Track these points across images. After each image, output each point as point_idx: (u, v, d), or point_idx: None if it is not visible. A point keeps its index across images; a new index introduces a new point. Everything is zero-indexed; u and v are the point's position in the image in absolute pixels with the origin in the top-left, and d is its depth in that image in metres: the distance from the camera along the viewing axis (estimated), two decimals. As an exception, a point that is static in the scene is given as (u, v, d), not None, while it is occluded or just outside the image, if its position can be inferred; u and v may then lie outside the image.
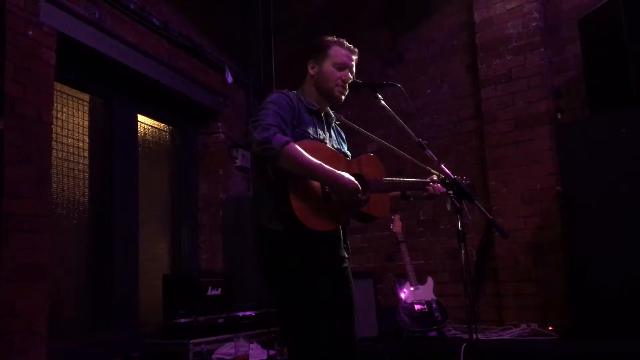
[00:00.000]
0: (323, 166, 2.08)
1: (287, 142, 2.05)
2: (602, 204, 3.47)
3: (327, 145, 2.33)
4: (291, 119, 2.21)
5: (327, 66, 2.36)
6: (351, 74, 2.39)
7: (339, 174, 2.11)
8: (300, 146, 2.08)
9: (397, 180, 2.43)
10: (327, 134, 2.40)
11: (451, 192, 2.22)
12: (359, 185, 2.13)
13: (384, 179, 2.38)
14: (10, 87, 3.25)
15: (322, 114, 2.41)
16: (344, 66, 2.37)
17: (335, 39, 2.41)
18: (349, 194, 2.12)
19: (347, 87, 2.38)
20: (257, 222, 2.21)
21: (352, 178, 2.12)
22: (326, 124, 2.42)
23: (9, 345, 3.08)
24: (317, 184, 2.15)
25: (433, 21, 5.19)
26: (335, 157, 2.27)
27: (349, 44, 2.42)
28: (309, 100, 2.36)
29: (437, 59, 5.14)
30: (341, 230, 2.35)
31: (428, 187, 2.46)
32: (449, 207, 2.23)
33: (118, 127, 4.50)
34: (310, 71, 2.40)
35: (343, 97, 2.40)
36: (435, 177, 2.47)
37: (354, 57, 2.41)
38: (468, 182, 2.60)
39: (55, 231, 3.71)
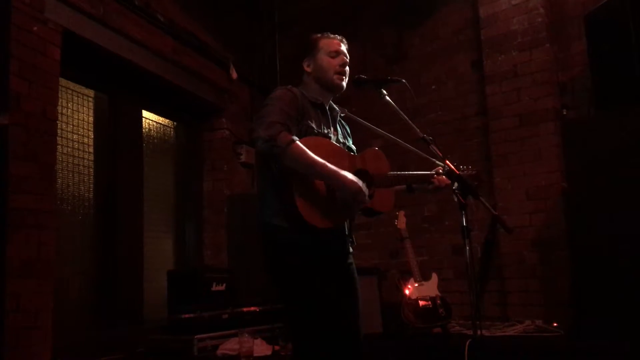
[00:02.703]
0: (327, 166, 2.08)
1: (292, 141, 2.05)
2: (607, 201, 3.45)
3: (332, 140, 2.33)
4: (296, 114, 2.21)
5: (322, 57, 2.37)
6: (346, 58, 2.39)
7: (343, 174, 2.09)
8: (304, 143, 2.08)
9: (402, 174, 2.43)
10: (332, 128, 2.39)
11: (456, 184, 2.22)
12: (362, 185, 2.12)
13: (389, 172, 2.37)
14: (15, 83, 3.26)
15: (327, 108, 2.41)
16: (338, 52, 2.38)
17: (320, 33, 2.43)
18: (352, 194, 2.11)
19: (346, 71, 2.39)
20: (262, 219, 2.21)
21: (354, 178, 2.11)
22: (331, 118, 2.42)
23: (14, 340, 3.09)
24: (321, 181, 2.15)
25: (438, 17, 5.17)
26: (339, 153, 2.27)
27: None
28: (312, 95, 2.36)
29: (441, 55, 5.12)
30: (346, 225, 2.34)
31: (433, 180, 2.46)
32: (456, 198, 2.22)
33: (123, 123, 4.52)
34: (307, 69, 2.41)
35: (344, 84, 2.40)
36: (440, 170, 2.46)
37: (344, 45, 2.42)
38: (473, 172, 2.59)
39: (60, 227, 3.72)
